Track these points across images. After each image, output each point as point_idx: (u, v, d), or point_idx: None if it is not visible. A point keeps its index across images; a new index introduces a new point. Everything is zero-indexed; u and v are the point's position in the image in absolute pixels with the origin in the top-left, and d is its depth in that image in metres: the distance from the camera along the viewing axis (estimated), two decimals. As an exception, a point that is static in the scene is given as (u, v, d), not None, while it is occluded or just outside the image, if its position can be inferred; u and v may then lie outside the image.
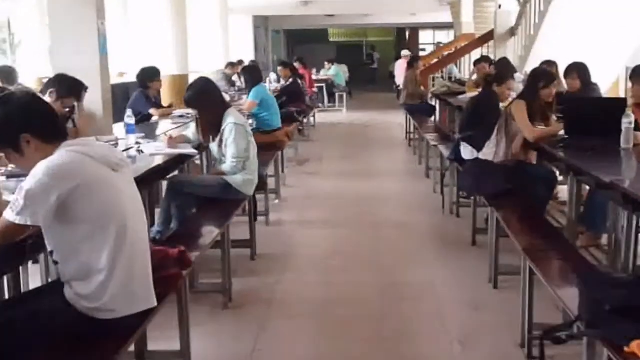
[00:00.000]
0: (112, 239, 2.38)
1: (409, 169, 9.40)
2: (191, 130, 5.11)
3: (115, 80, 11.09)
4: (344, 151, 11.29)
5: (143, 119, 7.33)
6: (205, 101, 4.84)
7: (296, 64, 14.36)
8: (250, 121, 8.24)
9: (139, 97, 7.45)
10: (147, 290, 2.57)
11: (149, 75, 7.54)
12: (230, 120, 4.81)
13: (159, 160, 4.48)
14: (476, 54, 14.17)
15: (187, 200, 4.66)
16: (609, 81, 11.63)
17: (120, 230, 2.40)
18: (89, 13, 7.96)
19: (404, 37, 34.05)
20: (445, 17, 21.16)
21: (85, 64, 7.99)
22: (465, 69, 18.02)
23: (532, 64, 10.81)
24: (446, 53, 17.57)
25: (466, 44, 14.59)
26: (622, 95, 12.77)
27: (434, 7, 21.01)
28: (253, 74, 7.87)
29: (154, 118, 7.40)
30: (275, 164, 7.34)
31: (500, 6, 13.03)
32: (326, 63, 19.35)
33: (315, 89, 16.42)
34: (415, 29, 32.66)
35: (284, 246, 5.77)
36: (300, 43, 32.05)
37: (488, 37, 13.62)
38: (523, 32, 12.35)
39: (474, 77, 10.93)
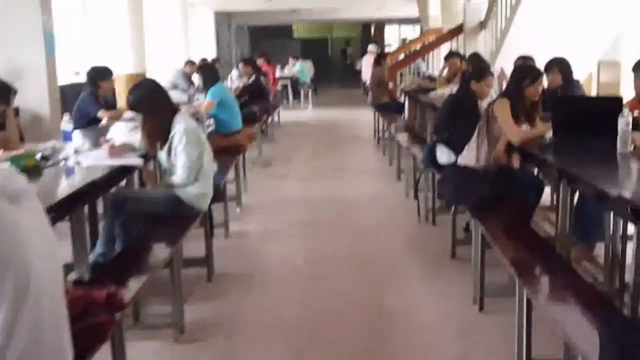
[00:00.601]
0: (8, 295, 1.81)
1: (379, 170, 8.91)
2: (138, 137, 4.54)
3: (69, 79, 10.54)
4: (310, 152, 10.77)
5: (91, 122, 6.74)
6: (152, 105, 4.28)
7: (259, 61, 13.81)
8: (209, 122, 7.70)
9: (87, 98, 6.85)
10: (59, 355, 2.00)
11: (100, 75, 6.93)
12: (179, 127, 4.26)
13: (98, 173, 3.91)
14: (445, 49, 13.77)
15: (132, 218, 4.10)
16: (581, 77, 11.26)
17: (20, 281, 1.83)
18: (31, 6, 7.37)
19: (369, 32, 33.62)
20: (412, 11, 20.73)
21: (29, 63, 7.41)
22: (433, 64, 17.61)
23: (504, 58, 10.42)
24: (413, 48, 17.16)
25: (434, 38, 14.14)
26: (594, 90, 12.48)
27: (400, 0, 20.59)
28: (210, 73, 7.30)
29: (104, 121, 6.79)
30: (236, 168, 6.78)
31: (469, -1, 12.61)
32: (290, 59, 18.80)
33: (279, 87, 15.88)
34: (380, 24, 32.26)
35: (247, 262, 5.22)
36: (264, 38, 31.43)
37: (457, 31, 13.18)
38: (494, 25, 11.94)
39: (445, 73, 10.52)
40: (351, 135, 12.58)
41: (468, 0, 12.70)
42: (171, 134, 4.28)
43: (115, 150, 4.19)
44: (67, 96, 8.70)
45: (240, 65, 11.88)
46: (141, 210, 4.12)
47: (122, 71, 11.09)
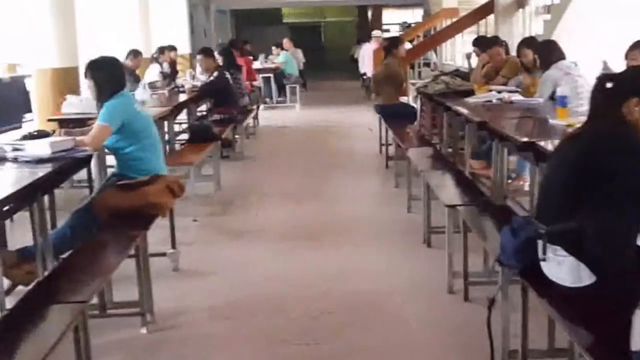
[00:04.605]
0: None
1: (393, 220, 5.74)
2: None
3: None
4: (292, 180, 7.59)
5: None
6: None
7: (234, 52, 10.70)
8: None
9: None
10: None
11: None
12: None
13: None
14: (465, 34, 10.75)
15: None
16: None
17: None
18: None
19: (365, 16, 30.45)
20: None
21: None
22: (446, 52, 14.59)
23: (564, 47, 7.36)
24: (422, 34, 14.12)
25: (455, 20, 11.09)
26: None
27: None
28: (108, 76, 4.14)
29: None
30: (138, 256, 3.66)
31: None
32: (274, 48, 15.63)
33: (257, 82, 12.78)
34: (378, 8, 29.11)
35: None
36: (249, 25, 28.26)
37: (485, 10, 10.14)
38: (539, 1, 8.91)
39: (479, 67, 7.51)
40: (349, 149, 9.38)
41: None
42: None
43: None
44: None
45: (199, 57, 8.78)
46: None
47: (46, 65, 8.00)
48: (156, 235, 4.48)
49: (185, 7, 18.20)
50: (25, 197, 3.25)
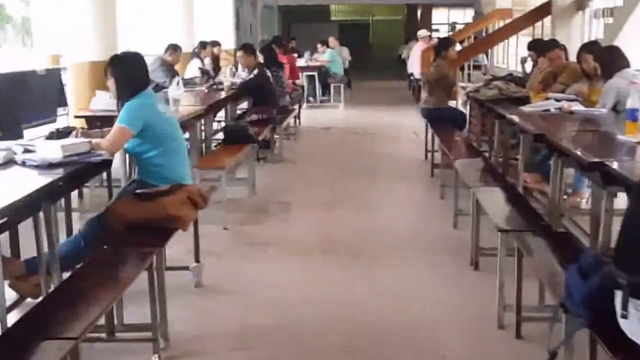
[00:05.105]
0: None
1: (438, 236, 5.25)
2: None
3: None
4: (330, 186, 7.14)
5: None
6: None
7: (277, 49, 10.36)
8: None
9: None
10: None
11: None
12: None
13: None
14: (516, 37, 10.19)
15: None
16: None
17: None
18: None
19: (415, 15, 29.87)
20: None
21: None
22: (498, 55, 14.02)
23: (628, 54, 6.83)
24: (472, 35, 13.58)
25: (508, 22, 10.56)
26: None
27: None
28: (129, 73, 3.80)
29: None
30: (151, 277, 3.29)
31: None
32: (319, 46, 15.19)
33: (300, 80, 12.40)
34: (428, 7, 28.52)
35: None
36: (296, 21, 27.98)
37: (542, 12, 9.58)
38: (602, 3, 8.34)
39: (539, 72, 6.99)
40: (392, 154, 8.92)
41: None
42: None
43: None
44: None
45: (238, 53, 8.44)
46: None
47: (84, 57, 7.75)
48: (181, 244, 4.16)
49: (230, 2, 17.91)
50: (26, 207, 2.92)
